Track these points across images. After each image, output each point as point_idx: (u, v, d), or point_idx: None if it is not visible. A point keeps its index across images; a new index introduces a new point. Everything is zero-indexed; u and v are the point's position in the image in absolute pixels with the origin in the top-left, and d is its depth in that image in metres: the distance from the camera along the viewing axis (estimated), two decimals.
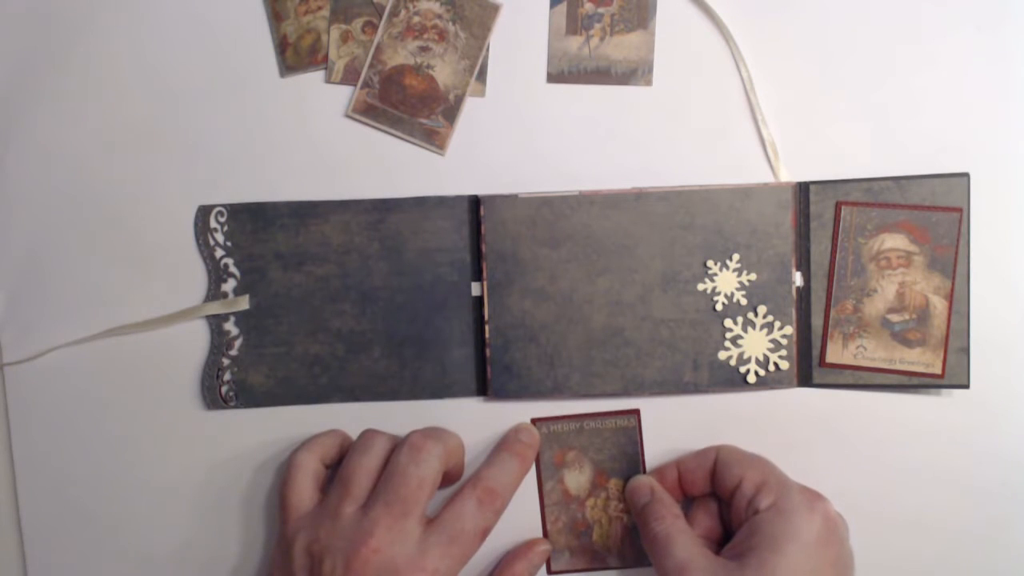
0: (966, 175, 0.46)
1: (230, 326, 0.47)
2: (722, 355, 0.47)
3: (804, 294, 0.47)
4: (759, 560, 0.40)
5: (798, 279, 0.47)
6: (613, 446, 0.47)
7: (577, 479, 0.47)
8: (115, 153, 0.47)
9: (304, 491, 0.43)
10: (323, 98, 0.47)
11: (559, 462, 0.47)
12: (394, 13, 0.47)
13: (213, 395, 0.47)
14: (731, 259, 0.46)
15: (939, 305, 0.46)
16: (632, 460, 0.47)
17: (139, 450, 0.47)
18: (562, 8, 0.47)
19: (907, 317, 0.46)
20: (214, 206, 0.47)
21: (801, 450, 0.47)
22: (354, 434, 0.46)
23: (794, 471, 0.47)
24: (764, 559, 0.40)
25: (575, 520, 0.47)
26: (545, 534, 0.47)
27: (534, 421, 0.47)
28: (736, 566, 0.40)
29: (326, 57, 0.47)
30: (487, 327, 0.47)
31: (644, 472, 0.47)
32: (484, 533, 0.43)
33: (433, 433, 0.44)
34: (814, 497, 0.42)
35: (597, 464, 0.47)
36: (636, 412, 0.47)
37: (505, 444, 0.46)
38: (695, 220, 0.46)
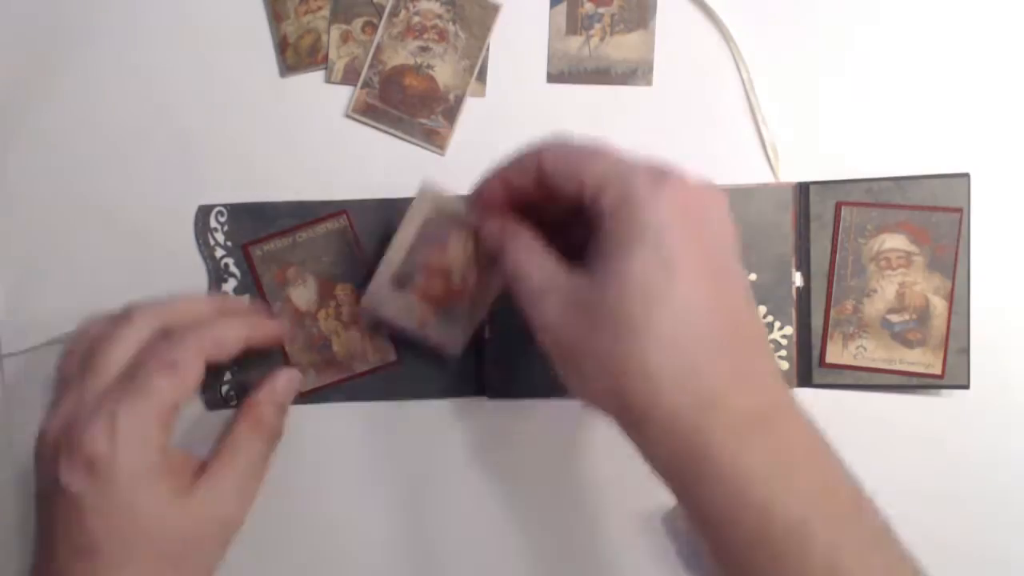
0: (966, 175, 0.46)
1: None
2: None
3: (804, 294, 0.47)
4: (607, 270, 0.34)
5: (798, 279, 0.47)
6: (330, 252, 0.46)
7: (303, 294, 0.46)
8: (115, 153, 0.47)
9: None
10: (323, 98, 0.47)
11: (281, 281, 0.46)
12: (394, 13, 0.47)
13: (213, 395, 0.47)
14: None
15: (939, 305, 0.46)
16: (352, 261, 0.46)
17: None
18: (562, 8, 0.47)
19: (907, 317, 0.46)
20: (214, 206, 0.47)
21: None
22: None
23: None
24: (612, 268, 0.34)
25: (311, 336, 0.46)
26: (284, 357, 0.46)
27: (244, 246, 0.46)
28: (587, 283, 0.34)
29: (326, 57, 0.47)
30: (487, 327, 0.46)
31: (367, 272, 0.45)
32: (169, 365, 0.39)
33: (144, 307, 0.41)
34: (659, 175, 0.35)
35: (319, 274, 0.46)
36: (344, 212, 0.46)
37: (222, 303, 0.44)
38: None
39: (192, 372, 0.39)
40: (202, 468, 0.41)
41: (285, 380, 0.44)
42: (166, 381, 0.38)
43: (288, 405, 0.44)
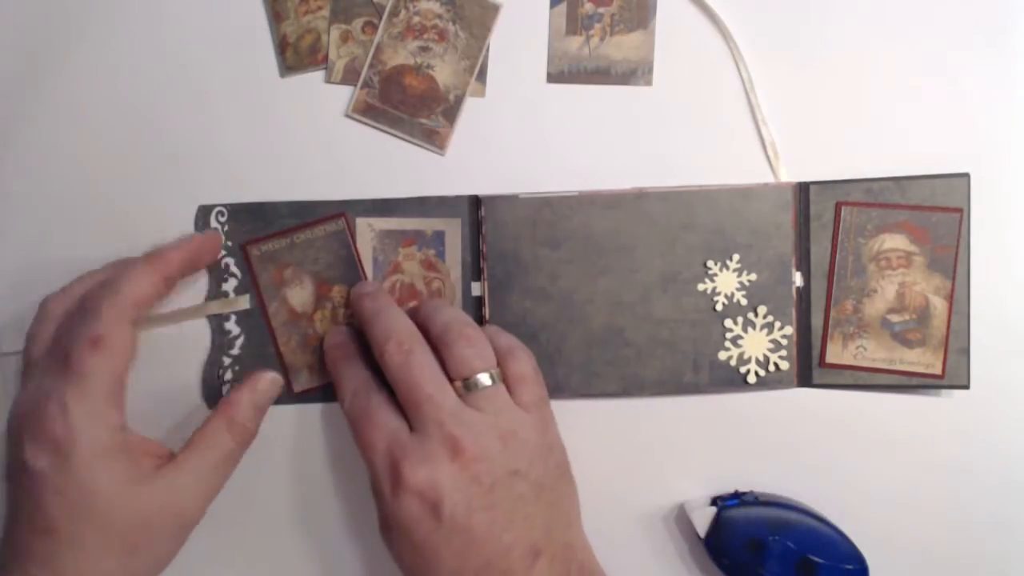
0: (966, 175, 0.46)
1: (231, 325, 0.47)
2: (722, 355, 0.47)
3: (804, 294, 0.47)
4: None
5: (798, 279, 0.47)
6: (328, 254, 0.46)
7: (300, 295, 0.46)
8: (115, 153, 0.47)
9: None
10: (323, 98, 0.47)
11: (278, 281, 0.46)
12: (394, 13, 0.47)
13: (214, 394, 0.47)
14: (731, 259, 0.46)
15: (939, 305, 0.46)
16: (349, 263, 0.46)
17: None
18: (562, 8, 0.47)
19: (907, 317, 0.46)
20: (214, 206, 0.47)
21: (801, 450, 0.47)
22: None
23: (794, 471, 0.47)
24: (392, 550, 0.41)
25: (307, 336, 0.46)
26: (279, 356, 0.46)
27: (243, 246, 0.46)
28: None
29: (326, 57, 0.47)
30: (484, 326, 0.47)
31: (364, 275, 0.46)
32: (93, 343, 0.39)
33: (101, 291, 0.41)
34: (396, 480, 0.39)
35: (316, 275, 0.46)
36: (343, 214, 0.46)
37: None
38: (695, 220, 0.46)
39: (119, 341, 0.39)
40: (169, 458, 0.41)
41: (267, 382, 0.44)
42: (95, 359, 0.39)
43: (267, 408, 0.44)
